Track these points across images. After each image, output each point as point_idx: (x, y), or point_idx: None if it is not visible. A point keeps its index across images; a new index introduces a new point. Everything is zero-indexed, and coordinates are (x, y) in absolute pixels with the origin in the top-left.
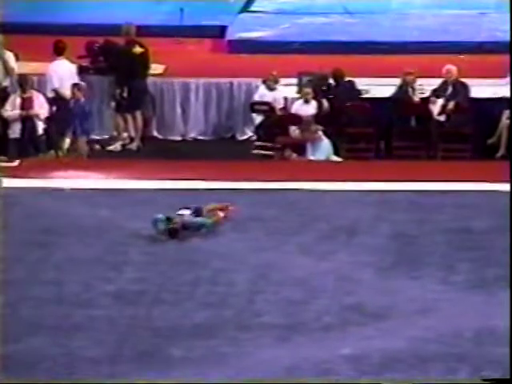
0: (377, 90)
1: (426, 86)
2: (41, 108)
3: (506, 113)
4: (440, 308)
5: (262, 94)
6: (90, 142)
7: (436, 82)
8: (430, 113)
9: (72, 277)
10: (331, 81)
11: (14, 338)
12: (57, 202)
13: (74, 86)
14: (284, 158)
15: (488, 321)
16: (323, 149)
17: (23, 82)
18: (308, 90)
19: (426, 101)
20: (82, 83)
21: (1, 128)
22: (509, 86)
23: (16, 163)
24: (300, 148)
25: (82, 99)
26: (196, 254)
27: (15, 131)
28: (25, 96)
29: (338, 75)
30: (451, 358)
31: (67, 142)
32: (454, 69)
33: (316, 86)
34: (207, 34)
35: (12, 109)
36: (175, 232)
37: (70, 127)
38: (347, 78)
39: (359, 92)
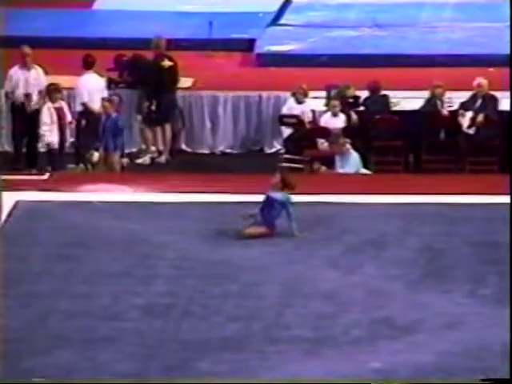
0: (406, 103)
1: (454, 99)
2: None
3: None
4: (468, 322)
5: (290, 106)
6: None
7: (465, 95)
8: (458, 126)
9: (101, 290)
10: (358, 93)
11: (42, 351)
12: (85, 215)
13: (106, 100)
14: (313, 171)
15: None
16: (352, 162)
17: (53, 91)
18: (336, 102)
19: (454, 114)
20: (115, 97)
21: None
22: None
23: (46, 176)
24: (329, 161)
25: (114, 114)
26: (224, 266)
27: (53, 143)
28: (57, 106)
29: (373, 88)
30: (479, 372)
31: (96, 155)
32: (485, 82)
33: (344, 99)
34: (236, 48)
35: (50, 121)
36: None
37: (100, 141)
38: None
39: (391, 105)
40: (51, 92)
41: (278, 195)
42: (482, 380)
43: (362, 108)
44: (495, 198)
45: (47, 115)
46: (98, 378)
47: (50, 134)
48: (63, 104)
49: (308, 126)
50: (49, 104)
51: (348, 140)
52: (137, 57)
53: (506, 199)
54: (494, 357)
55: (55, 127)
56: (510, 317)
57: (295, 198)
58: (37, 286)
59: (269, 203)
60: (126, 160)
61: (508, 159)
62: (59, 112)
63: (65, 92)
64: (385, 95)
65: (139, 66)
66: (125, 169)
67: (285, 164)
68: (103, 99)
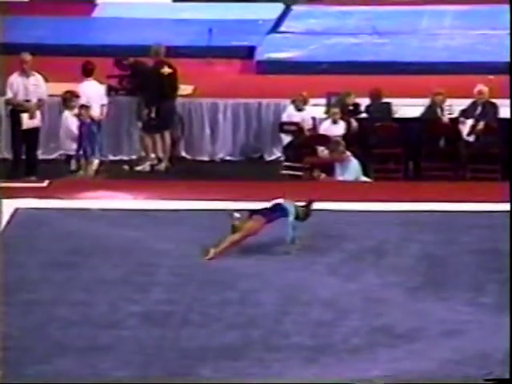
0: (405, 111)
1: (454, 107)
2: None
3: None
4: (468, 330)
5: (290, 114)
6: (118, 163)
7: (465, 103)
8: (459, 133)
9: (99, 297)
10: (359, 100)
11: (40, 359)
12: (84, 222)
13: (83, 106)
14: (313, 179)
15: None
16: (352, 169)
17: (69, 99)
18: (336, 110)
19: (455, 121)
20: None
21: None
22: None
23: (45, 184)
24: (329, 168)
25: (87, 120)
26: (223, 274)
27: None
28: (73, 113)
29: (375, 95)
30: (479, 380)
31: (96, 163)
32: (485, 89)
33: (344, 106)
34: (236, 55)
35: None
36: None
37: (96, 148)
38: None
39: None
40: (68, 100)
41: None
42: (484, 380)
43: (364, 115)
44: (496, 206)
45: (70, 123)
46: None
47: (69, 142)
48: (77, 112)
49: (308, 133)
50: (66, 113)
51: (344, 145)
52: (138, 62)
53: (506, 207)
54: (494, 365)
55: (71, 135)
56: (510, 321)
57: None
58: (35, 293)
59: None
60: (125, 167)
61: (508, 167)
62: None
63: None
64: (387, 102)
65: (139, 72)
66: (124, 176)
67: (284, 171)
68: (81, 106)
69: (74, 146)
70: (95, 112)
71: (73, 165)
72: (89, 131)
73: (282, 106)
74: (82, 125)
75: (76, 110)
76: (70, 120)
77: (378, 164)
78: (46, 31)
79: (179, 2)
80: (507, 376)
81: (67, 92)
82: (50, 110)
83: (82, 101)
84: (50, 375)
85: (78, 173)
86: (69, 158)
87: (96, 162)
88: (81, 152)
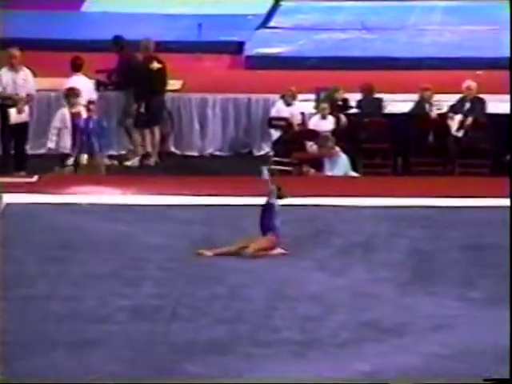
0: (394, 106)
1: (443, 102)
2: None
3: None
4: (457, 324)
5: (279, 109)
6: (108, 158)
7: (453, 98)
8: (447, 128)
9: (89, 292)
10: (347, 95)
11: (31, 353)
12: (74, 217)
13: (91, 102)
14: (301, 174)
15: (505, 337)
16: (341, 164)
17: (71, 96)
18: (325, 105)
19: (443, 116)
20: (93, 98)
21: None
22: None
23: (34, 179)
24: (318, 164)
25: (94, 116)
26: (212, 269)
27: (65, 145)
28: (74, 111)
29: (367, 90)
30: (467, 375)
31: (85, 157)
32: (474, 85)
33: (333, 101)
34: (225, 50)
35: (61, 124)
36: None
37: (82, 143)
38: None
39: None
40: (69, 97)
41: (277, 201)
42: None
43: (355, 110)
44: (484, 201)
45: (58, 120)
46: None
47: (55, 139)
48: (81, 109)
49: (297, 128)
50: (64, 109)
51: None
52: (127, 57)
53: (495, 202)
54: (482, 359)
55: (67, 132)
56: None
57: (283, 201)
58: (25, 288)
59: (270, 209)
60: (113, 162)
61: (497, 162)
62: (75, 117)
63: (53, 94)
64: (379, 98)
65: (129, 67)
66: (111, 170)
67: (274, 167)
68: (88, 102)
69: (69, 142)
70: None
71: (71, 161)
72: (98, 127)
73: (271, 102)
74: (88, 120)
75: (79, 107)
76: (68, 116)
77: (366, 159)
78: (35, 26)
79: None
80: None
81: (69, 89)
82: (38, 105)
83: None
84: (39, 369)
85: (67, 168)
86: (64, 154)
87: (85, 156)
88: (83, 148)
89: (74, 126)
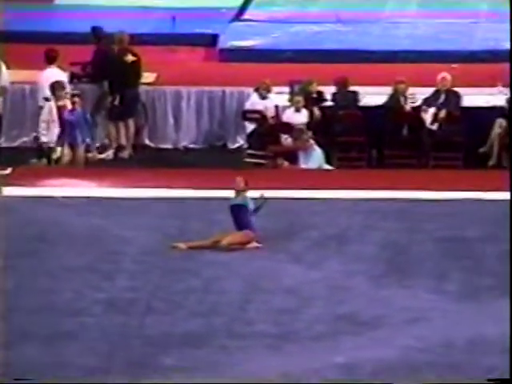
0: (368, 99)
1: (417, 95)
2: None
3: (498, 121)
4: (432, 317)
5: (253, 102)
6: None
7: (427, 91)
8: (421, 121)
9: (64, 285)
10: (322, 88)
11: (5, 346)
12: (49, 210)
13: (75, 95)
14: (276, 167)
15: (480, 330)
16: (315, 157)
17: (58, 89)
18: (299, 98)
19: (417, 109)
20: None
21: None
22: (500, 95)
23: (8, 171)
24: (292, 156)
25: (79, 108)
26: (187, 262)
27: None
28: (61, 104)
29: (341, 83)
30: (443, 368)
31: (59, 150)
32: (449, 77)
33: (307, 94)
34: (199, 43)
35: (49, 117)
36: None
37: (64, 136)
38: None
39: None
40: (56, 90)
41: (240, 200)
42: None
43: (329, 103)
44: (458, 194)
45: (46, 114)
46: (65, 373)
47: (46, 134)
48: (67, 102)
49: (271, 121)
50: (51, 103)
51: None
52: (102, 49)
53: (468, 194)
54: (457, 352)
55: (55, 125)
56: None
57: (258, 194)
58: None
59: (239, 210)
60: (91, 154)
61: (470, 155)
62: (61, 110)
63: (27, 86)
64: (354, 91)
65: (103, 59)
66: (87, 163)
67: (248, 159)
68: (72, 94)
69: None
70: (59, 99)
71: (58, 152)
72: (83, 119)
73: (245, 94)
74: (72, 112)
75: (65, 100)
76: (55, 110)
77: (341, 152)
78: (7, 17)
79: None
80: (471, 366)
81: (56, 82)
82: (12, 98)
83: (45, 89)
84: (13, 362)
85: (42, 160)
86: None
87: (59, 149)
88: (67, 140)
89: (61, 119)
